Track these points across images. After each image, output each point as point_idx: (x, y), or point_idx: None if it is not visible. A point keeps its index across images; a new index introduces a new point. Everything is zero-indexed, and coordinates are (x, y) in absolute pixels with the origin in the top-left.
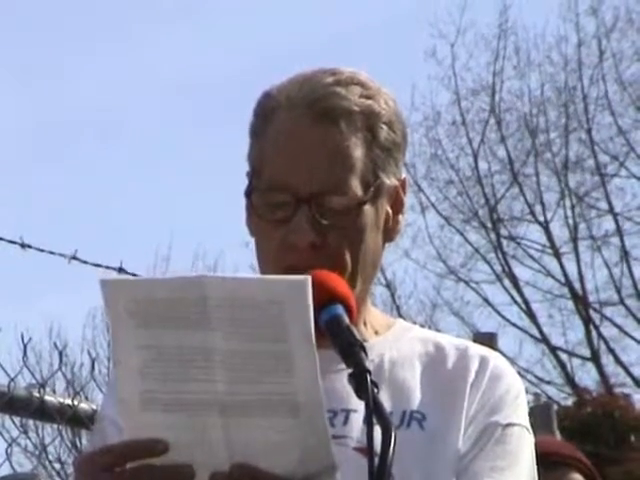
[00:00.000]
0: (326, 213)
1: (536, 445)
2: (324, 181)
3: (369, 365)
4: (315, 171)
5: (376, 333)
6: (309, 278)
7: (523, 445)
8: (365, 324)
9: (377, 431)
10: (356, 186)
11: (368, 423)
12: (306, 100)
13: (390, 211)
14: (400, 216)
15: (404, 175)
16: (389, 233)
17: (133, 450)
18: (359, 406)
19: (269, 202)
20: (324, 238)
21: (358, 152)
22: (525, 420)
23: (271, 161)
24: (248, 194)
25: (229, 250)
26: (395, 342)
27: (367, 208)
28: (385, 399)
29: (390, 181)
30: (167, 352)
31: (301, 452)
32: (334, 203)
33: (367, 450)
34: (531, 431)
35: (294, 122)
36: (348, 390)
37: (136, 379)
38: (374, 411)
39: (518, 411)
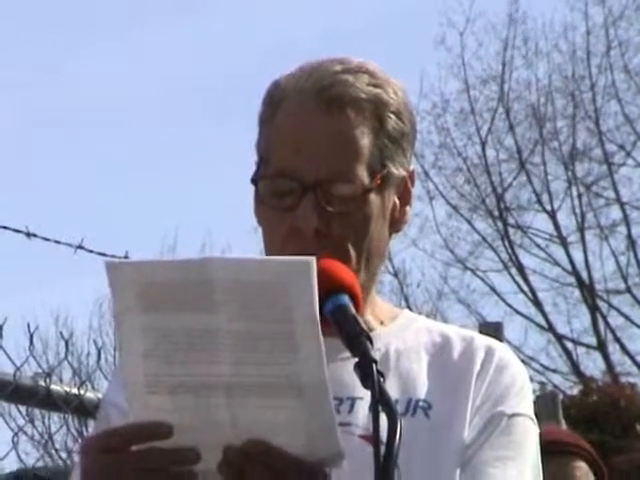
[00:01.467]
0: (332, 200)
1: (540, 434)
2: (330, 168)
3: (375, 354)
4: (322, 158)
5: (382, 323)
6: (313, 259)
7: (528, 435)
8: (371, 314)
9: (383, 420)
10: (362, 174)
11: (374, 412)
12: (314, 88)
13: (397, 202)
14: (407, 207)
15: (413, 166)
16: (395, 224)
17: (137, 433)
18: (365, 394)
19: (276, 189)
20: (329, 225)
21: (365, 140)
22: (530, 411)
23: (278, 148)
24: (255, 182)
25: (236, 238)
26: (401, 332)
27: (373, 197)
28: (391, 388)
29: (398, 171)
30: (172, 335)
31: (307, 436)
32: (340, 190)
33: (373, 439)
34: (536, 422)
35: (301, 110)
36: (354, 378)
37: (141, 362)
38: (380, 400)
39: (523, 402)
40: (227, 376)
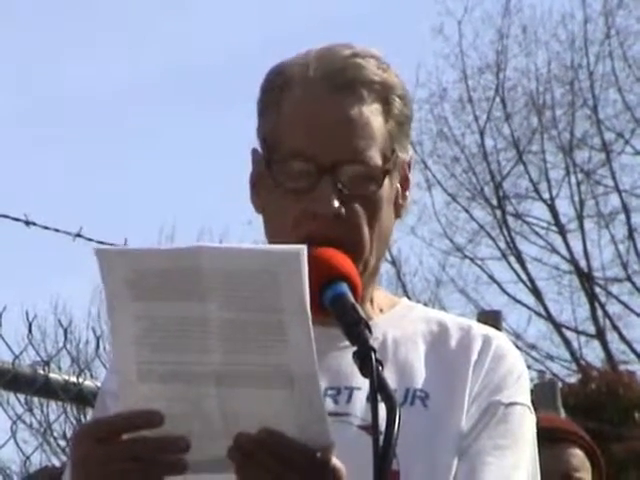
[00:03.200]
0: (349, 182)
1: (537, 421)
2: (346, 150)
3: (373, 343)
4: (337, 140)
5: (381, 311)
6: (304, 248)
7: (525, 424)
8: (371, 302)
9: (381, 409)
10: (376, 156)
11: (372, 400)
12: (326, 72)
13: (399, 187)
14: (407, 192)
15: (411, 152)
16: (398, 209)
17: (128, 421)
18: (363, 384)
19: (290, 172)
20: (347, 209)
21: (378, 122)
22: (527, 400)
23: (291, 132)
24: (268, 167)
25: (233, 228)
26: (399, 321)
27: (385, 180)
28: (389, 377)
29: (403, 155)
30: (163, 323)
31: (296, 427)
32: (356, 172)
33: (372, 427)
34: (533, 411)
35: (314, 93)
36: (352, 368)
37: (132, 350)
38: (379, 389)
39: (520, 391)
40: (217, 364)
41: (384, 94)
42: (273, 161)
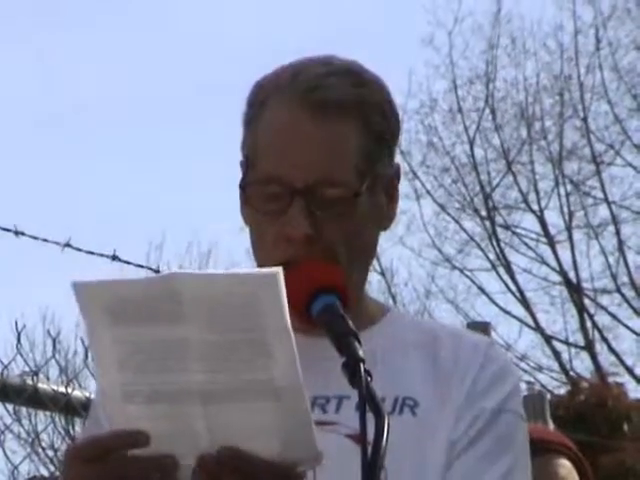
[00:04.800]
0: (321, 204)
1: None
2: (319, 172)
3: (362, 353)
4: (310, 162)
5: (370, 321)
6: (280, 270)
7: (515, 431)
8: (360, 313)
9: (370, 419)
10: (350, 177)
11: (361, 412)
12: (299, 91)
13: (385, 200)
14: (394, 204)
15: (398, 162)
16: (383, 222)
17: (117, 442)
18: (352, 393)
19: (264, 195)
20: (319, 230)
21: (352, 143)
22: (518, 407)
23: (265, 153)
24: (242, 186)
25: (223, 237)
26: (389, 330)
27: (362, 199)
28: (378, 386)
29: (384, 170)
30: (144, 346)
31: (283, 438)
32: (329, 194)
33: (360, 439)
34: (525, 418)
35: (287, 113)
36: (341, 377)
37: (116, 372)
38: (368, 400)
39: (510, 398)
40: (201, 384)
41: (361, 112)
42: (248, 182)
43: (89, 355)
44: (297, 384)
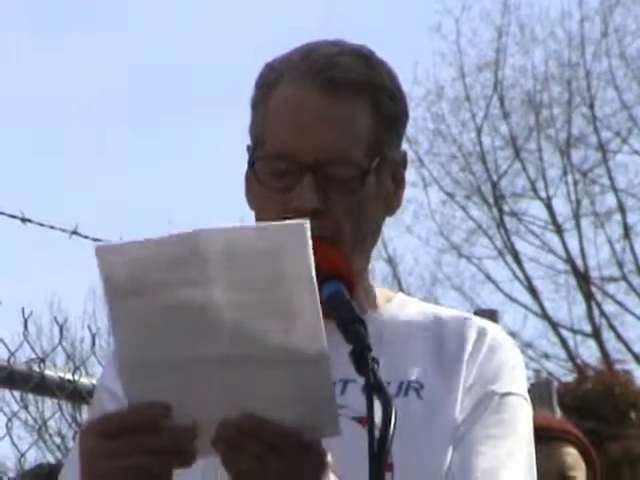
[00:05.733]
0: (330, 182)
1: (532, 420)
2: (329, 150)
3: (369, 339)
4: (320, 139)
5: (375, 306)
6: (307, 221)
7: (520, 414)
8: (364, 297)
9: (376, 405)
10: (360, 156)
11: (368, 401)
12: (312, 70)
13: (391, 185)
14: (400, 190)
15: (405, 150)
16: (389, 207)
17: (135, 416)
18: (357, 376)
19: (273, 170)
20: (327, 206)
21: (363, 122)
22: (523, 390)
23: (275, 130)
24: (251, 163)
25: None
26: (394, 315)
27: (370, 179)
28: (383, 370)
29: (392, 154)
30: (166, 313)
31: (304, 406)
32: (338, 172)
33: (367, 428)
34: (529, 401)
35: (299, 91)
36: (346, 360)
37: (136, 343)
38: (375, 389)
39: (516, 381)
40: (224, 349)
41: (371, 93)
42: (257, 158)
43: (96, 342)
44: (321, 350)
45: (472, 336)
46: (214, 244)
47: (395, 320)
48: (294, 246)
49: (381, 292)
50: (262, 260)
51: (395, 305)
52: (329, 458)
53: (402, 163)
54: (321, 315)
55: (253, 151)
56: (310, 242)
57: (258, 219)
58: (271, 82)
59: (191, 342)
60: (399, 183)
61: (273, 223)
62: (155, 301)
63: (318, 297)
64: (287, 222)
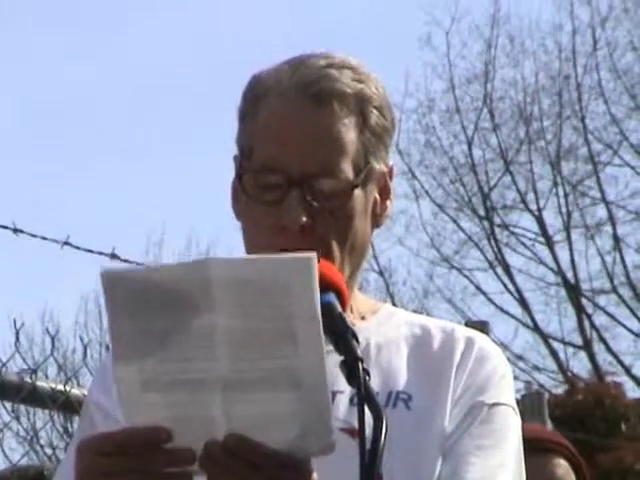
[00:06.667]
0: (317, 196)
1: (522, 432)
2: (316, 163)
3: (358, 351)
4: (307, 153)
5: (363, 317)
6: (314, 256)
7: (509, 425)
8: (352, 309)
9: (367, 416)
10: (347, 169)
11: (359, 412)
12: (299, 83)
13: (378, 197)
14: (388, 202)
15: (391, 162)
16: (377, 219)
17: (136, 439)
18: (345, 387)
19: (260, 184)
20: (314, 221)
21: (350, 135)
22: (511, 400)
23: (263, 143)
24: (239, 175)
25: (222, 234)
26: (381, 326)
27: (357, 192)
28: (372, 382)
29: (379, 166)
30: (168, 334)
31: (300, 427)
32: (325, 185)
33: (359, 438)
34: (517, 411)
35: (287, 104)
36: (335, 371)
37: (135, 361)
38: (366, 400)
39: (504, 392)
40: (224, 371)
41: (359, 106)
42: (244, 171)
43: (88, 353)
44: (321, 376)
45: (460, 346)
46: (221, 272)
47: (382, 331)
48: (301, 280)
49: (368, 303)
50: (267, 292)
51: (382, 316)
52: (314, 477)
53: (389, 174)
54: (324, 343)
55: (240, 162)
56: (317, 276)
57: (245, 232)
58: (259, 94)
59: (192, 363)
60: (386, 195)
61: (281, 256)
62: (156, 322)
63: (322, 329)
64: (295, 256)
